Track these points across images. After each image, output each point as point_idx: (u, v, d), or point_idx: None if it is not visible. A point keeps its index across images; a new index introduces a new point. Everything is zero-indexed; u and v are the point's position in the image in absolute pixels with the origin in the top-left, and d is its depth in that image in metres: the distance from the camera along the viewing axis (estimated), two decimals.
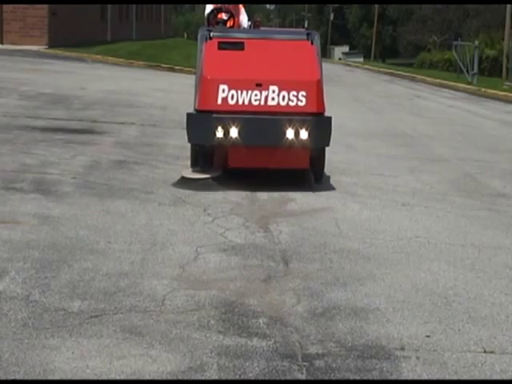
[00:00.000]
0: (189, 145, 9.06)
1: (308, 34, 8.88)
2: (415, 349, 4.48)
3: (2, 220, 6.68)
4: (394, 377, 4.14)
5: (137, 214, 7.18)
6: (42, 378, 3.94)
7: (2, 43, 34.24)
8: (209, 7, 9.98)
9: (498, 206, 8.52)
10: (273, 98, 8.26)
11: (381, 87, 30.78)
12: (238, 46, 8.68)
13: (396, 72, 43.09)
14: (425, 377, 4.16)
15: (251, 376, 4.07)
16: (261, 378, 4.06)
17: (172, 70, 29.43)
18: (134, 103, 16.13)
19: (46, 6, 34.74)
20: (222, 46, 8.64)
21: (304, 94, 8.28)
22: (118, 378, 3.99)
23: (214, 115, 8.24)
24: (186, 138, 8.55)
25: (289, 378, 4.08)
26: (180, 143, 11.19)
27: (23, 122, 12.30)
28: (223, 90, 8.21)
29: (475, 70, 32.14)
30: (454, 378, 4.17)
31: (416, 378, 4.15)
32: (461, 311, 5.15)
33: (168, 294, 5.18)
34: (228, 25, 9.83)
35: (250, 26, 10.24)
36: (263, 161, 8.57)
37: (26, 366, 4.04)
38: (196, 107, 8.53)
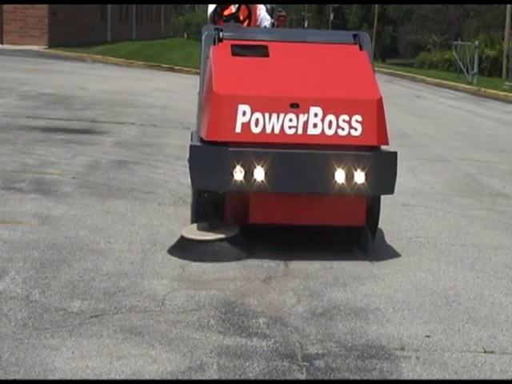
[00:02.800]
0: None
1: (355, 36, 6.72)
2: (415, 349, 4.48)
3: (2, 220, 6.69)
4: (394, 377, 4.14)
5: (137, 214, 7.18)
6: (41, 378, 3.94)
7: (2, 43, 34.25)
8: (211, 6, 7.88)
9: (497, 206, 8.52)
10: (315, 125, 5.89)
11: (381, 87, 30.72)
12: (261, 50, 6.44)
13: (396, 72, 43.09)
14: (425, 377, 4.16)
15: (251, 376, 4.07)
16: (261, 377, 4.06)
17: (172, 69, 29.42)
18: (134, 103, 16.13)
19: (46, 6, 34.74)
20: (238, 50, 6.40)
21: (359, 118, 5.92)
22: (117, 378, 3.99)
23: (231, 149, 5.80)
24: (189, 181, 6.10)
25: (289, 378, 4.08)
26: (180, 143, 11.19)
27: (23, 122, 12.30)
28: (244, 113, 5.82)
29: (475, 70, 32.14)
30: (454, 378, 4.17)
31: (416, 378, 4.14)
32: (461, 311, 5.15)
33: (168, 294, 5.18)
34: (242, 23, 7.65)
35: (272, 25, 8.26)
36: (300, 215, 6.14)
37: (25, 366, 4.04)
38: (203, 136, 5.98)
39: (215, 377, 4.05)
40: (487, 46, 39.90)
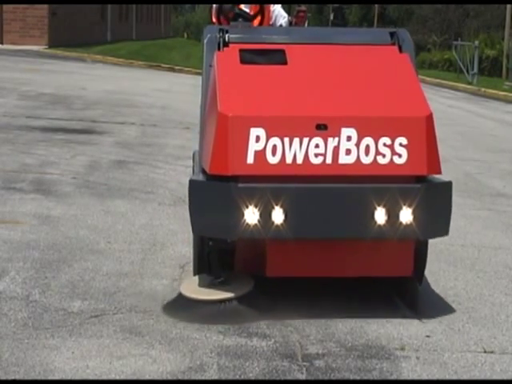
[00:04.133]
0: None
1: (392, 35, 5.44)
2: (415, 349, 4.48)
3: (2, 220, 6.69)
4: (393, 377, 4.14)
5: (137, 214, 7.18)
6: (42, 378, 3.94)
7: (2, 43, 34.24)
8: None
9: (497, 206, 8.52)
10: (348, 152, 4.68)
11: None
12: (277, 56, 5.21)
13: None
14: (425, 377, 4.16)
15: (251, 376, 4.07)
16: (261, 377, 4.06)
17: (172, 69, 29.42)
18: (134, 103, 16.13)
19: (46, 6, 34.72)
20: (248, 56, 5.20)
21: (404, 141, 4.72)
22: (117, 378, 3.99)
23: (242, 185, 4.62)
24: (192, 226, 4.87)
25: (289, 377, 4.08)
26: (180, 143, 11.21)
27: (23, 122, 12.30)
28: (257, 139, 4.64)
29: (475, 70, 32.14)
30: (454, 377, 4.17)
31: (416, 378, 4.14)
32: (461, 311, 5.14)
33: (168, 294, 5.18)
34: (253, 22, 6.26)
35: (290, 24, 7.00)
36: (329, 266, 4.96)
37: (25, 366, 4.04)
38: (207, 169, 4.80)
39: (215, 377, 4.05)
40: (487, 45, 39.87)
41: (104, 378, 3.99)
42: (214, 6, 6.31)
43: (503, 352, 4.51)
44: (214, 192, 4.70)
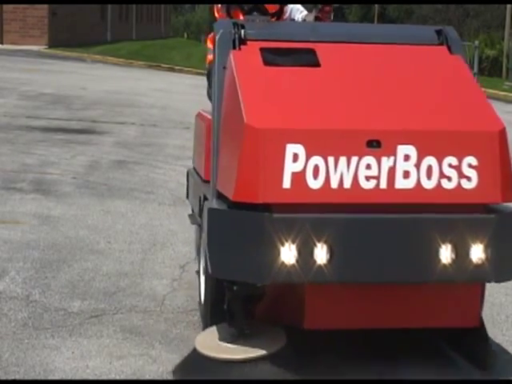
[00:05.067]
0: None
1: (439, 33, 4.56)
2: (415, 348, 4.48)
3: (2, 220, 6.69)
4: (394, 377, 4.14)
5: (137, 214, 7.18)
6: (42, 378, 3.94)
7: (2, 43, 34.24)
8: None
9: None
10: (406, 174, 3.84)
11: None
12: (306, 56, 4.32)
13: None
14: (425, 377, 4.15)
15: (251, 376, 4.06)
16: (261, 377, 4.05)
17: (172, 69, 29.42)
18: (134, 103, 16.13)
19: (46, 6, 34.72)
20: (272, 57, 4.28)
21: (474, 162, 3.89)
22: (117, 378, 3.99)
23: (277, 215, 3.77)
24: (209, 266, 3.94)
25: (289, 377, 4.07)
26: (180, 143, 11.21)
27: (23, 122, 12.30)
28: (295, 157, 3.79)
29: (475, 70, 32.12)
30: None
31: (416, 377, 4.14)
32: None
33: (168, 294, 5.18)
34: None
35: (315, 19, 5.57)
36: (381, 316, 4.10)
37: (25, 366, 4.04)
38: (229, 195, 3.91)
39: (215, 377, 4.04)
40: (487, 45, 39.88)
41: (104, 377, 3.99)
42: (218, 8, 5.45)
43: (503, 352, 4.51)
44: (242, 224, 3.80)
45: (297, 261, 3.74)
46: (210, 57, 4.89)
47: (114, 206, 7.40)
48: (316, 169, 3.77)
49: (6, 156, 9.44)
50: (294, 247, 3.74)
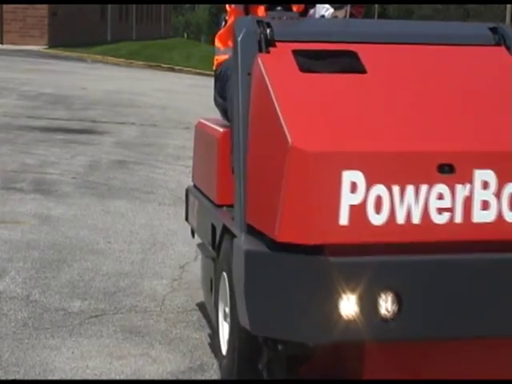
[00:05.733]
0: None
1: (494, 31, 3.89)
2: None
3: (2, 220, 6.69)
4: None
5: (137, 214, 7.18)
6: (42, 378, 3.94)
7: (2, 43, 34.24)
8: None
9: None
10: (485, 205, 3.24)
11: None
12: (347, 61, 3.62)
13: None
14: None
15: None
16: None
17: (172, 69, 29.42)
18: (134, 103, 16.12)
19: (46, 6, 34.72)
20: (308, 62, 3.58)
21: None
22: (117, 378, 3.99)
23: (335, 259, 3.14)
24: (247, 321, 3.26)
25: (289, 377, 4.07)
26: (180, 143, 11.20)
27: (23, 122, 12.30)
28: (354, 187, 3.15)
29: None
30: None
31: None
32: None
33: (168, 294, 5.18)
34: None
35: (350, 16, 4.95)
36: (450, 368, 3.49)
37: (25, 366, 4.04)
38: (272, 233, 3.22)
39: (215, 377, 4.05)
40: None
41: (104, 377, 3.99)
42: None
43: None
44: (290, 271, 3.13)
45: (358, 314, 3.09)
46: (219, 58, 4.26)
47: (114, 206, 7.40)
48: (378, 200, 3.12)
49: (6, 156, 9.43)
50: (354, 298, 3.08)
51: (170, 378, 4.03)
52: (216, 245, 4.05)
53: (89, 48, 33.56)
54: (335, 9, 4.63)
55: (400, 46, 3.77)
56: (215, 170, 4.14)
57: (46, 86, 18.07)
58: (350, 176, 3.11)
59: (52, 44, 34.40)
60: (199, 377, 4.06)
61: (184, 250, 6.14)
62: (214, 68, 4.45)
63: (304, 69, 3.50)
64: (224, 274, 3.84)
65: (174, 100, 17.47)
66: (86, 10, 39.13)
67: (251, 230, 3.40)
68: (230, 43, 3.86)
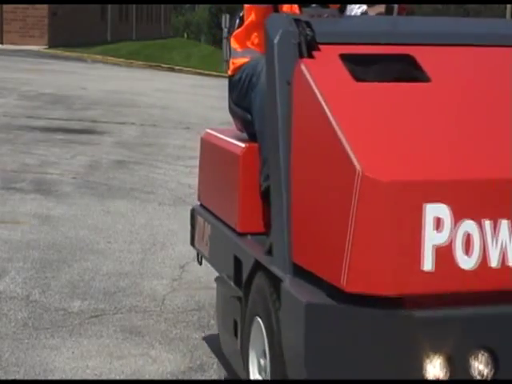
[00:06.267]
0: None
1: None
2: None
3: (2, 220, 6.69)
4: None
5: (137, 214, 7.18)
6: (42, 378, 3.94)
7: (2, 43, 34.24)
8: None
9: None
10: None
11: None
12: (406, 67, 3.04)
13: None
14: None
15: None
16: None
17: (172, 69, 29.42)
18: (134, 103, 16.12)
19: (46, 6, 34.72)
20: (360, 68, 3.01)
21: None
22: (117, 378, 3.99)
23: (420, 314, 2.57)
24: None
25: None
26: (180, 143, 11.21)
27: (23, 122, 12.30)
28: (438, 223, 2.56)
29: None
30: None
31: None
32: None
33: (168, 294, 5.18)
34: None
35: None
36: None
37: (25, 366, 4.04)
38: (337, 281, 2.61)
39: (215, 377, 4.05)
40: None
41: (104, 377, 3.99)
42: None
43: None
44: (362, 328, 2.60)
45: (446, 378, 2.61)
46: (236, 62, 3.75)
47: (114, 206, 7.40)
48: (468, 240, 2.58)
49: (6, 156, 9.43)
50: (441, 359, 2.59)
51: (170, 377, 4.03)
52: (243, 283, 3.42)
53: (89, 48, 33.57)
54: (369, 6, 4.03)
55: (460, 49, 3.19)
56: (236, 193, 3.54)
57: (46, 86, 18.07)
58: (433, 210, 2.55)
59: (52, 44, 34.40)
60: (199, 377, 4.06)
61: (184, 250, 6.13)
62: (229, 72, 3.83)
63: (358, 77, 2.92)
64: (258, 319, 3.17)
65: (174, 100, 17.47)
66: (86, 10, 39.13)
67: (298, 270, 2.86)
68: (250, 44, 3.63)
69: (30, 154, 9.63)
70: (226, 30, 30.58)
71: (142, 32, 50.32)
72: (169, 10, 64.57)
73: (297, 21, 3.07)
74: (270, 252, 3.10)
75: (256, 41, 3.64)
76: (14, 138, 10.80)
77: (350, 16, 3.72)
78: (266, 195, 3.28)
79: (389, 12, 3.69)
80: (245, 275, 3.40)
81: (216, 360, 4.23)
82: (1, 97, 15.47)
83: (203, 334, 4.56)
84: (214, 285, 5.26)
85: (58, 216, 6.92)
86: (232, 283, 3.60)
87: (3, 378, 3.92)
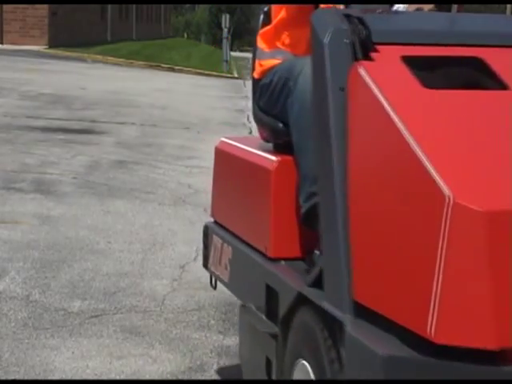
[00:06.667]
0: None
1: None
2: None
3: (2, 220, 6.69)
4: None
5: (137, 214, 7.18)
6: (42, 378, 3.94)
7: (2, 43, 34.25)
8: None
9: None
10: None
11: None
12: (477, 72, 2.61)
13: None
14: None
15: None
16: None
17: (172, 69, 29.42)
18: (134, 103, 16.12)
19: (46, 6, 34.73)
20: (426, 73, 2.58)
21: None
22: (117, 378, 3.99)
23: None
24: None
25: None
26: (180, 143, 11.20)
27: (23, 122, 12.30)
28: None
29: None
30: None
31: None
32: None
33: (168, 294, 5.18)
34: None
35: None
36: None
37: (25, 366, 4.04)
38: (423, 332, 2.11)
39: (215, 377, 4.05)
40: None
41: (104, 377, 3.99)
42: None
43: None
44: None
45: None
46: (264, 63, 3.35)
47: (114, 206, 7.40)
48: None
49: (6, 156, 9.43)
50: None
51: (170, 377, 4.03)
52: (280, 318, 2.98)
53: (89, 48, 33.57)
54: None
55: None
56: (268, 213, 3.14)
57: (46, 86, 18.07)
58: None
59: (52, 44, 34.41)
60: (199, 377, 4.05)
61: (184, 250, 6.13)
62: (255, 75, 3.45)
63: (427, 84, 2.49)
64: (303, 362, 2.75)
65: (174, 100, 17.47)
66: (86, 10, 39.14)
67: (358, 309, 2.43)
68: (280, 45, 3.27)
69: (30, 154, 9.63)
70: (225, 30, 30.67)
71: (142, 32, 50.33)
72: (169, 9, 64.58)
73: (348, 17, 2.69)
74: (315, 283, 2.68)
75: (287, 41, 3.28)
76: (13, 137, 10.80)
77: (404, 12, 3.19)
78: (307, 218, 2.93)
79: (439, 8, 3.23)
80: (283, 309, 2.94)
81: (216, 360, 4.23)
82: (1, 97, 15.47)
83: (203, 334, 4.56)
84: None
85: (57, 216, 6.92)
86: (263, 316, 3.15)
87: (3, 377, 3.92)
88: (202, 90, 20.30)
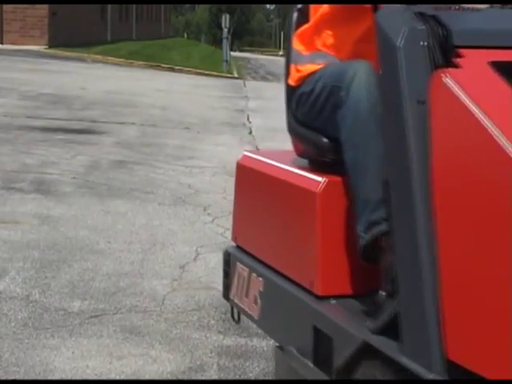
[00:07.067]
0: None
1: None
2: None
3: (2, 220, 6.69)
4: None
5: (137, 214, 7.18)
6: (42, 378, 3.94)
7: (2, 43, 34.25)
8: None
9: None
10: None
11: None
12: None
13: None
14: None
15: (251, 376, 4.07)
16: (261, 377, 4.06)
17: (172, 69, 29.42)
18: (134, 103, 16.12)
19: (46, 6, 34.73)
20: None
21: None
22: (117, 377, 3.99)
23: None
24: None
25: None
26: (180, 143, 11.20)
27: (23, 122, 12.30)
28: None
29: None
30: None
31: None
32: None
33: (168, 294, 5.18)
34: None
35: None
36: None
37: (25, 366, 4.04)
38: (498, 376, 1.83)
39: (215, 377, 4.05)
40: None
41: (104, 377, 3.99)
42: None
43: None
44: None
45: None
46: (303, 68, 2.94)
47: (114, 206, 7.40)
48: None
49: (6, 156, 9.43)
50: None
51: (169, 377, 4.03)
52: (336, 368, 2.54)
53: (89, 48, 33.56)
54: None
55: None
56: (314, 243, 2.72)
57: (46, 86, 18.07)
58: None
59: (52, 44, 34.41)
60: (199, 377, 4.05)
61: (184, 250, 6.13)
62: (291, 83, 3.02)
63: None
64: None
65: (174, 100, 17.47)
66: (86, 10, 39.14)
67: (449, 366, 2.09)
68: (320, 46, 2.86)
69: (30, 154, 9.63)
70: (225, 30, 30.69)
71: (142, 32, 50.33)
72: (169, 9, 64.59)
73: (421, 15, 2.27)
74: (383, 330, 2.32)
75: (329, 41, 2.85)
76: (13, 137, 10.79)
77: (485, 9, 2.63)
78: (368, 250, 2.54)
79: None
80: (340, 359, 2.51)
81: (216, 360, 4.23)
82: (1, 97, 15.47)
83: (203, 334, 4.56)
84: (214, 285, 5.27)
85: (57, 216, 6.92)
86: (310, 363, 2.71)
87: (3, 377, 3.92)
88: (202, 90, 20.30)
